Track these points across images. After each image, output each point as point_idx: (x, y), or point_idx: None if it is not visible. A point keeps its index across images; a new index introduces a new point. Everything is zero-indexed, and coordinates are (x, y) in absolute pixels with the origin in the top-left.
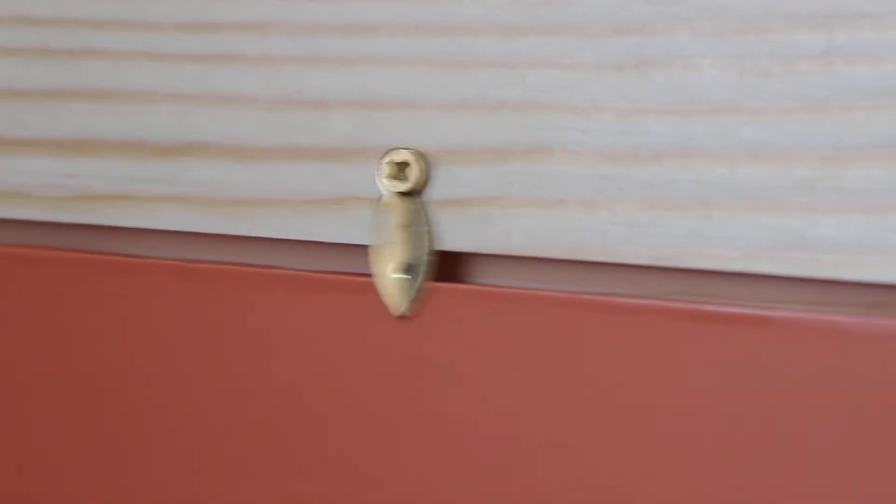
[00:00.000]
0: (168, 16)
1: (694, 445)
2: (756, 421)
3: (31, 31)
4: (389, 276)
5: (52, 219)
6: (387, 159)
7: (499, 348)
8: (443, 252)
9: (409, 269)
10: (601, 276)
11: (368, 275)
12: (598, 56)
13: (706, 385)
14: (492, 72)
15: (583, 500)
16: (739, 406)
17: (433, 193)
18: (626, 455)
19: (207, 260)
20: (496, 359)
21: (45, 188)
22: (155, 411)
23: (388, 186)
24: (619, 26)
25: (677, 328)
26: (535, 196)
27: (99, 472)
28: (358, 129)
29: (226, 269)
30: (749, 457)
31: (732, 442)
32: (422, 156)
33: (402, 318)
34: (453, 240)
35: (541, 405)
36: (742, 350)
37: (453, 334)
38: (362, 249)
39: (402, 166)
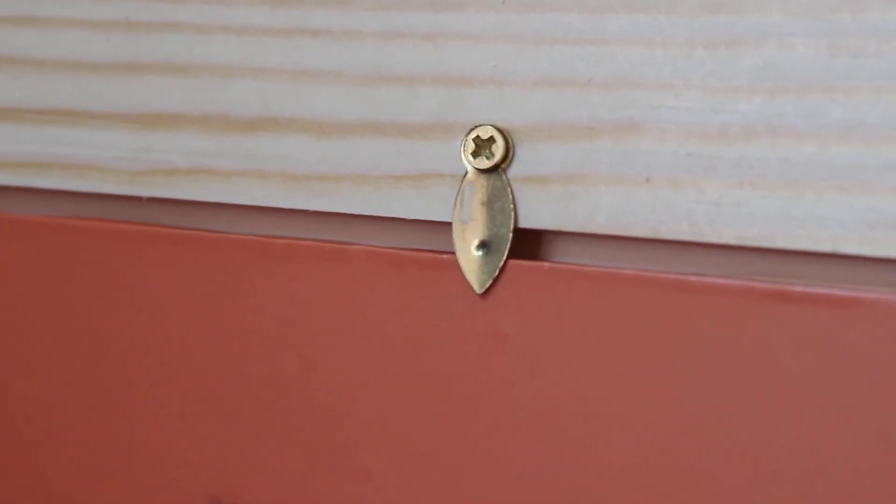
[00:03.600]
0: None
1: (778, 427)
2: (842, 403)
3: (112, 4)
4: (472, 253)
5: (129, 192)
6: (472, 135)
7: (578, 328)
8: (523, 229)
9: (490, 246)
10: (682, 256)
11: (447, 252)
12: (689, 33)
13: (791, 366)
14: (580, 48)
15: (659, 480)
16: (826, 388)
17: (516, 170)
18: (704, 436)
19: (286, 236)
20: (574, 338)
21: (122, 162)
22: (231, 385)
23: (472, 163)
24: (709, 4)
25: (763, 308)
26: (620, 174)
27: (179, 444)
28: (442, 106)
29: (305, 244)
30: (836, 440)
31: (818, 424)
32: (507, 132)
33: (480, 295)
34: (535, 217)
35: (620, 385)
36: (830, 331)
37: (531, 312)
38: (441, 226)
39: (487, 143)
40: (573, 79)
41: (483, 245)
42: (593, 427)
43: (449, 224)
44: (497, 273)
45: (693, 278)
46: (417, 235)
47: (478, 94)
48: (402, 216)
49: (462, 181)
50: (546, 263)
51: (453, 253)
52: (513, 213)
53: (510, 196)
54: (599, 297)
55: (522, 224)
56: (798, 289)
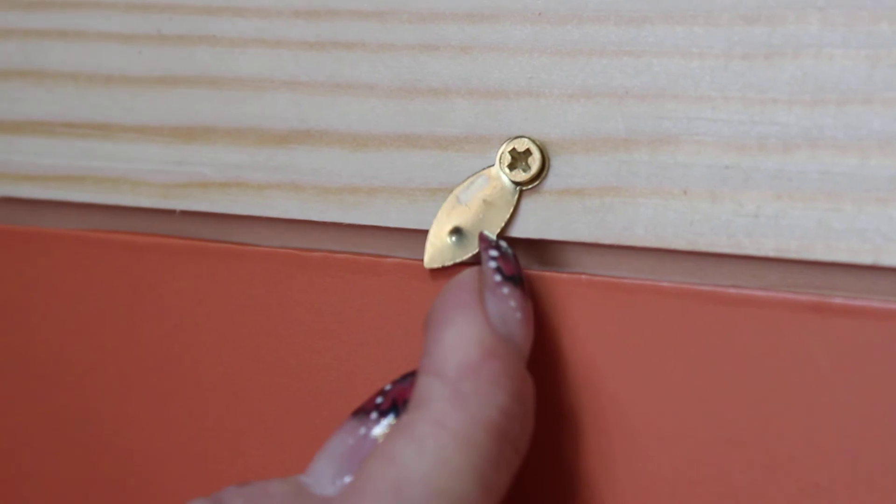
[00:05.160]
0: (284, 3)
1: (819, 440)
2: (884, 416)
3: (145, 18)
4: (444, 234)
5: (163, 206)
6: (508, 148)
7: (616, 340)
8: (558, 241)
9: (465, 237)
10: (720, 268)
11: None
12: (727, 45)
13: (832, 379)
14: (617, 60)
15: (699, 494)
16: (867, 401)
17: (553, 183)
18: (745, 449)
19: (320, 248)
20: (612, 351)
21: (156, 175)
22: (266, 397)
23: (509, 175)
24: (748, 15)
25: (803, 321)
26: (658, 186)
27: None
28: (477, 118)
29: (339, 257)
30: (878, 453)
31: (859, 437)
32: (543, 145)
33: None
34: (572, 230)
35: (658, 398)
36: (870, 343)
37: (569, 325)
38: None
39: (523, 155)
40: (610, 90)
41: (457, 232)
42: (633, 440)
43: None
44: (451, 265)
45: (732, 290)
46: None
47: (514, 106)
48: None
49: (486, 171)
50: (584, 276)
51: None
52: (503, 224)
53: (512, 208)
54: (637, 309)
55: (558, 236)
56: (838, 301)
